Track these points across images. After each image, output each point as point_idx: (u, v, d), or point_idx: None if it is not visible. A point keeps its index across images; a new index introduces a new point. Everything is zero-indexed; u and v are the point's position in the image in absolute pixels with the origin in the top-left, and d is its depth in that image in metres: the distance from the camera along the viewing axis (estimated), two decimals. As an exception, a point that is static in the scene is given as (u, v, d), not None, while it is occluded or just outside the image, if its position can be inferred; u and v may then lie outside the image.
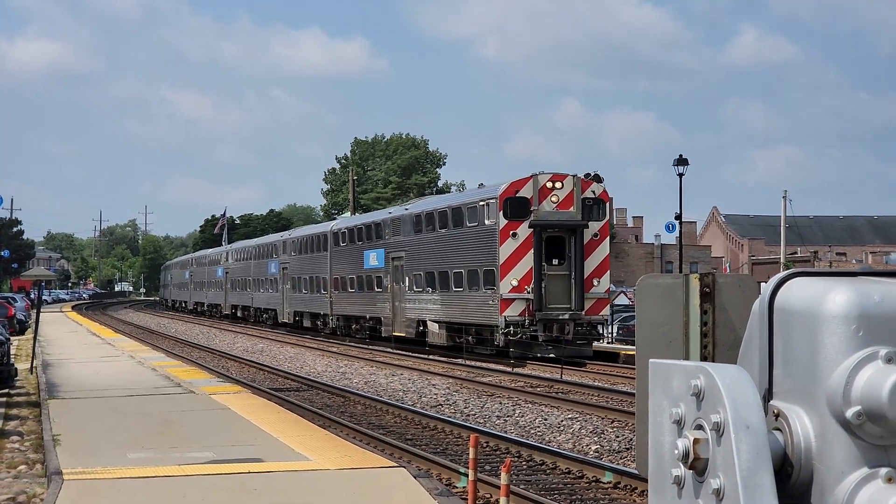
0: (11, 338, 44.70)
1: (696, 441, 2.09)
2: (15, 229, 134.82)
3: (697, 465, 2.09)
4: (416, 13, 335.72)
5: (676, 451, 2.13)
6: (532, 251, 37.26)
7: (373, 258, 51.45)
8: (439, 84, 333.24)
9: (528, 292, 37.24)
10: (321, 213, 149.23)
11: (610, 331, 44.08)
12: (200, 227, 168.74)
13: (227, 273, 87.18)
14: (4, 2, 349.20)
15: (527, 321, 37.18)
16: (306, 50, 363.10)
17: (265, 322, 73.01)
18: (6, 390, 25.14)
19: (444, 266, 42.56)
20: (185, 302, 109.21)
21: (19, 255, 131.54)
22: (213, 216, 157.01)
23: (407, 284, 46.64)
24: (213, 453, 15.04)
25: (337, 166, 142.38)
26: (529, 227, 37.37)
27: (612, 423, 22.29)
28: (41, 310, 39.74)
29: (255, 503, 11.77)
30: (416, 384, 31.34)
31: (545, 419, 23.21)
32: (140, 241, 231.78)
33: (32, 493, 13.47)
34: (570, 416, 23.60)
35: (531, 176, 38.04)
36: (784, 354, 2.15)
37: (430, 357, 41.54)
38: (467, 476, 13.25)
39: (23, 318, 61.68)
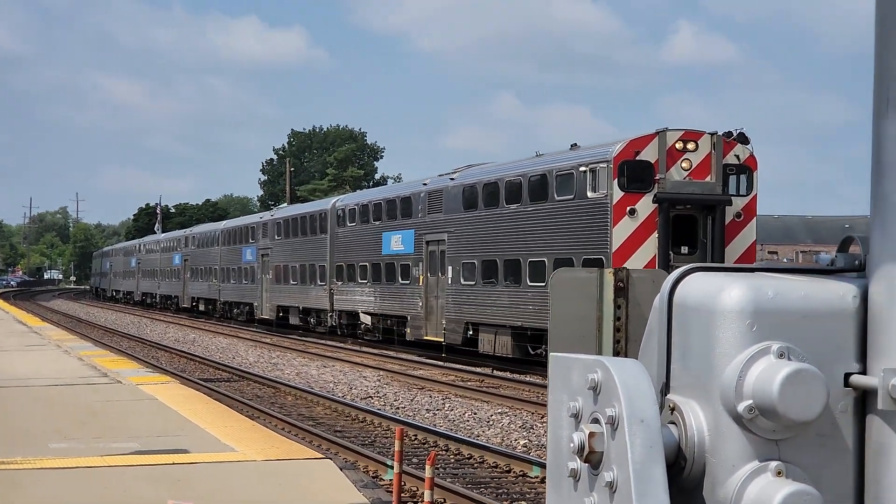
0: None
1: (591, 434, 2.10)
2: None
3: (592, 458, 2.10)
4: (357, 3, 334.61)
5: (572, 445, 2.13)
6: (656, 234, 28.42)
7: (396, 241, 41.41)
8: (378, 76, 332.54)
9: None
10: (258, 204, 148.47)
11: None
12: (134, 215, 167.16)
13: (186, 261, 77.19)
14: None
15: None
16: (243, 39, 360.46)
17: (236, 318, 63.85)
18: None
19: (514, 252, 33.03)
20: (132, 293, 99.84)
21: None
22: (146, 205, 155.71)
23: (450, 275, 36.94)
24: (138, 444, 14.88)
25: (274, 157, 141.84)
26: (654, 201, 28.47)
27: (541, 418, 22.41)
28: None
29: (178, 494, 11.67)
30: (347, 376, 31.31)
31: (475, 413, 23.29)
32: (71, 229, 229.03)
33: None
34: (500, 410, 23.69)
35: (655, 133, 28.96)
36: (681, 349, 2.16)
37: (363, 349, 41.44)
38: (393, 466, 13.25)
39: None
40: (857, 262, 2.17)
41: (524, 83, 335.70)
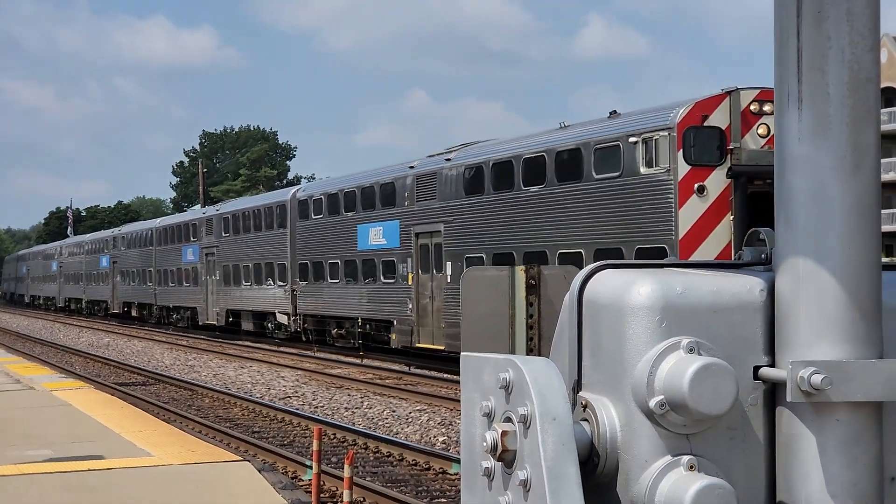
0: None
1: (504, 433, 2.09)
2: None
3: (506, 456, 2.10)
4: (266, 0, 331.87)
5: (485, 444, 2.12)
6: (731, 216, 22.98)
7: (376, 234, 35.55)
8: (289, 75, 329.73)
9: None
10: (171, 206, 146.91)
11: None
12: (45, 219, 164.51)
13: (115, 263, 71.35)
14: None
15: None
16: (151, 39, 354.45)
17: (175, 323, 58.42)
18: None
19: (538, 243, 27.38)
20: (53, 298, 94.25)
21: None
22: (57, 208, 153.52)
23: (450, 272, 31.19)
24: (52, 451, 14.63)
25: (185, 159, 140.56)
26: (728, 176, 23.00)
27: (460, 414, 22.37)
28: None
29: (94, 502, 11.50)
30: (264, 377, 31.09)
31: (393, 411, 23.24)
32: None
33: None
34: (418, 407, 23.68)
35: (726, 93, 23.41)
36: (592, 346, 2.16)
37: (281, 349, 41.13)
38: (312, 467, 13.17)
39: None
40: (763, 256, 2.19)
41: (436, 79, 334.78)
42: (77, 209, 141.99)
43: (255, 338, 46.12)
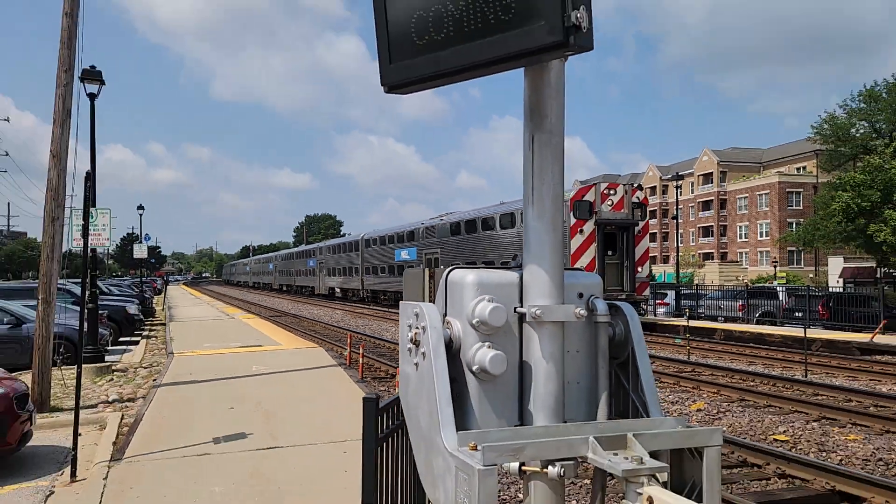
0: (153, 296, 40.93)
1: (415, 333, 2.05)
2: (157, 250, 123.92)
3: (416, 342, 2.05)
4: (331, 162, 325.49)
5: (409, 336, 2.08)
6: (595, 244, 20.61)
7: (404, 254, 31.66)
8: (341, 192, 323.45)
9: None
10: (293, 246, 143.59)
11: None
12: (242, 248, 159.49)
13: (275, 268, 61.93)
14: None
15: None
16: (282, 177, 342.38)
17: (303, 293, 51.03)
18: (150, 318, 22.94)
19: (490, 258, 24.28)
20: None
21: (159, 261, 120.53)
22: (244, 247, 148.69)
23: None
24: (240, 343, 14.10)
25: (299, 224, 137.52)
26: (594, 224, 20.58)
27: (408, 328, 21.92)
28: (168, 284, 36.30)
29: (255, 364, 11.10)
30: (329, 313, 30.35)
31: (383, 326, 22.81)
32: (214, 256, 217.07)
33: (159, 361, 12.32)
34: (394, 326, 23.20)
35: (593, 184, 21.09)
36: (451, 299, 2.13)
37: (346, 304, 39.99)
38: (347, 350, 12.86)
39: (159, 287, 56.47)
40: (518, 264, 2.18)
41: (395, 198, 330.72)
42: (254, 246, 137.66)
43: (341, 301, 42.55)
